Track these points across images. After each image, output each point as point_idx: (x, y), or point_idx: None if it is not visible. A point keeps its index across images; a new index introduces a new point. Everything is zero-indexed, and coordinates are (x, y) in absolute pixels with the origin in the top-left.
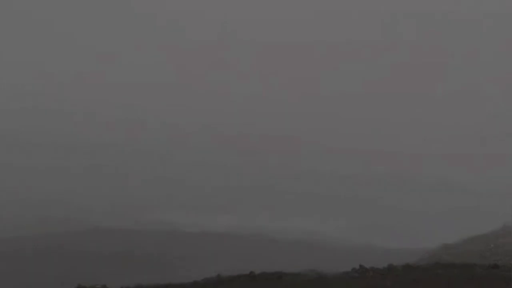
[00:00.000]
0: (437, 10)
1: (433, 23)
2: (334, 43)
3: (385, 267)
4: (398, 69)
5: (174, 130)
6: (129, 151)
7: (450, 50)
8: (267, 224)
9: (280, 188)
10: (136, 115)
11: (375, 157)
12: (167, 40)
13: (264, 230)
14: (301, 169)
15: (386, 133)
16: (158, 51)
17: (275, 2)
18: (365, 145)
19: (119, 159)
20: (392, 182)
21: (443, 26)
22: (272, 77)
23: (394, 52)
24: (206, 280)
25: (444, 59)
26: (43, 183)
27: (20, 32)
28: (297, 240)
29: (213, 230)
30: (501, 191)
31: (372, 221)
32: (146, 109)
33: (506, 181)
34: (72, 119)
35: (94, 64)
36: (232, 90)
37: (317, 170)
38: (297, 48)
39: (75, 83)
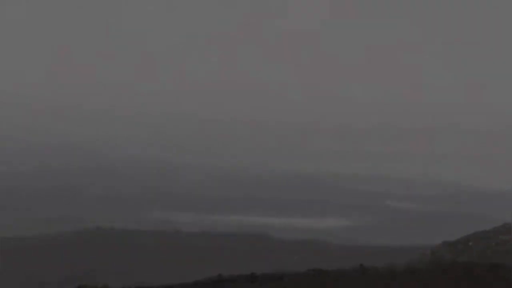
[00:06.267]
0: None
1: None
2: None
3: (385, 267)
4: None
5: (175, 130)
6: (130, 151)
7: None
8: (267, 224)
9: (280, 188)
10: (137, 115)
11: (376, 158)
12: None
13: (265, 230)
14: (301, 169)
15: (390, 135)
16: None
17: None
18: (366, 146)
19: (119, 159)
20: (393, 182)
21: None
22: None
23: None
24: (207, 280)
25: None
26: (43, 183)
27: None
28: (297, 240)
29: (213, 230)
30: (501, 191)
31: (373, 221)
32: (146, 109)
33: (506, 180)
34: (68, 118)
35: None
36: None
37: (317, 170)
38: None
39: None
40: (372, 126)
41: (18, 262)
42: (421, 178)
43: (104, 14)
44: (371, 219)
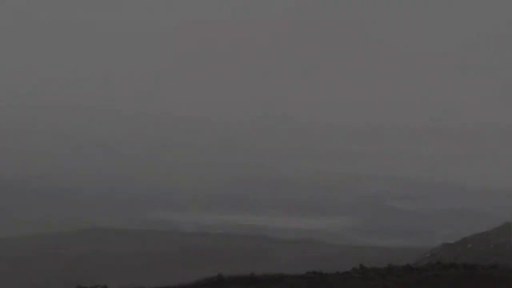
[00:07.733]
0: None
1: None
2: None
3: (385, 267)
4: None
5: (174, 129)
6: (130, 151)
7: None
8: (267, 224)
9: (280, 188)
10: (140, 115)
11: (376, 158)
12: None
13: (264, 230)
14: (301, 169)
15: (390, 135)
16: None
17: None
18: (366, 146)
19: (119, 160)
20: (393, 182)
21: None
22: None
23: None
24: (207, 281)
25: None
26: (44, 183)
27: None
28: (297, 240)
29: (213, 230)
30: (501, 191)
31: (373, 221)
32: (153, 109)
33: (506, 180)
34: (68, 118)
35: None
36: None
37: (317, 170)
38: None
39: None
40: (371, 126)
41: (16, 262)
42: (422, 178)
43: (104, 13)
44: (371, 219)
